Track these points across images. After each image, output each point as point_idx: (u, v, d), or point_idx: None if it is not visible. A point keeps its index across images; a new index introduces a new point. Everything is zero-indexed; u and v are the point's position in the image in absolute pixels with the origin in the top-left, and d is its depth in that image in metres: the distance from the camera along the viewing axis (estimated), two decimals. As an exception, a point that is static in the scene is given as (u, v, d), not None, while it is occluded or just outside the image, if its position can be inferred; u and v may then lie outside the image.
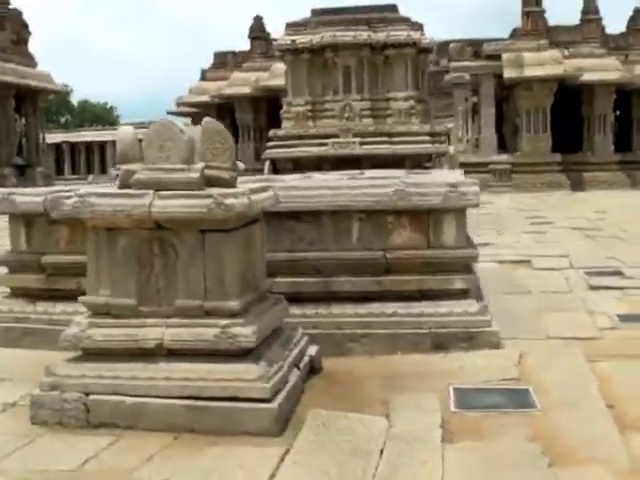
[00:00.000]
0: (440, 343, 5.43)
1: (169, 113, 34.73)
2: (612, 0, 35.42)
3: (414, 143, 13.51)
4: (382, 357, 5.40)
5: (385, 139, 13.46)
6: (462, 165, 19.06)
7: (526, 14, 28.00)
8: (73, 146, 51.27)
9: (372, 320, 5.52)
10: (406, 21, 13.96)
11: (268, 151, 13.96)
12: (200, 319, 4.13)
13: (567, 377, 4.76)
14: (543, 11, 28.17)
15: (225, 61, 32.19)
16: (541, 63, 26.97)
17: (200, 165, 4.20)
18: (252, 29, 30.75)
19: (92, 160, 51.73)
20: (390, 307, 5.56)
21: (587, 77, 26.95)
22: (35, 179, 26.19)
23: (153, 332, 4.12)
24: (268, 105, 29.51)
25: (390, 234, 5.59)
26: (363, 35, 13.53)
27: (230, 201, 4.01)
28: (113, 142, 50.18)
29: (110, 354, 4.17)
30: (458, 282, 5.58)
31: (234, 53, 32.30)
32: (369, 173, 7.26)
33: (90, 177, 43.94)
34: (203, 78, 32.63)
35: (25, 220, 6.01)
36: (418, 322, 5.48)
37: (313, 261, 5.59)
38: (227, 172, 4.34)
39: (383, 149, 13.35)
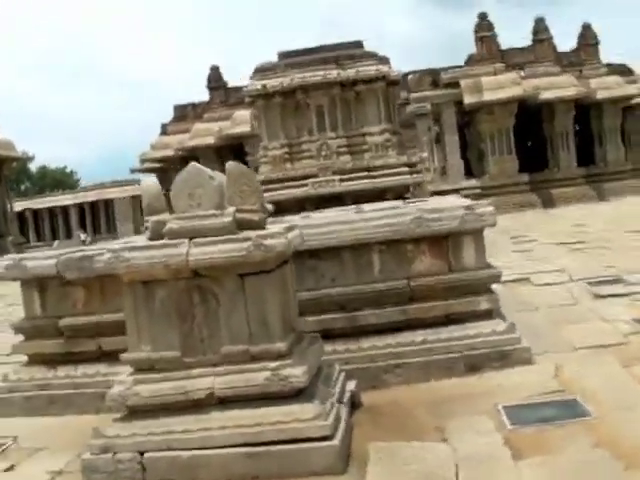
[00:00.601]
0: (473, 364, 5.42)
1: (133, 171, 34.72)
2: (560, 18, 36.42)
3: (393, 175, 13.64)
4: (418, 385, 5.37)
5: (364, 174, 13.57)
6: (433, 194, 19.29)
7: (480, 39, 28.65)
8: (36, 213, 50.85)
9: (403, 350, 5.50)
10: (373, 56, 14.17)
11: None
12: (248, 364, 4.08)
13: (609, 383, 4.78)
14: (496, 35, 28.84)
15: (185, 113, 32.31)
16: (500, 86, 27.53)
17: (232, 209, 4.19)
18: (210, 79, 30.97)
19: (56, 225, 51.33)
20: (419, 335, 5.55)
21: (546, 96, 27.58)
22: (7, 249, 25.82)
23: (202, 382, 4.06)
24: (233, 153, 29.65)
25: (411, 262, 5.61)
26: (333, 73, 13.69)
27: (269, 242, 4.00)
28: (76, 205, 49.98)
29: (159, 409, 4.08)
30: (483, 303, 5.60)
31: (194, 105, 32.45)
32: (368, 207, 7.30)
33: (56, 243, 43.47)
34: (164, 132, 32.67)
35: (38, 284, 5.92)
36: (449, 346, 5.47)
37: (337, 297, 5.57)
38: (257, 214, 4.33)
39: (363, 184, 13.45)
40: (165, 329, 4.14)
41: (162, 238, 4.21)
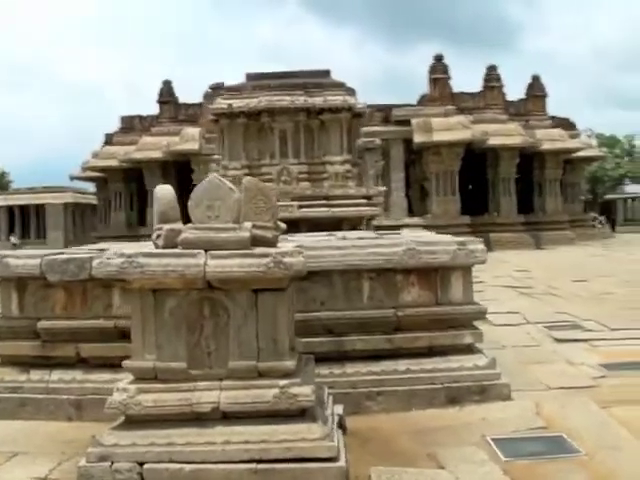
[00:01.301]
0: (454, 397, 5.52)
1: (73, 178, 34.06)
2: (511, 68, 37.62)
3: (351, 206, 13.77)
4: (399, 414, 5.43)
5: (323, 202, 13.66)
6: (376, 228, 19.53)
7: (433, 81, 29.34)
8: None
9: (386, 378, 5.55)
10: (341, 86, 14.36)
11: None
12: (255, 380, 4.06)
13: (591, 423, 4.93)
14: (449, 78, 29.54)
15: (132, 125, 31.95)
16: (449, 128, 28.19)
17: (249, 224, 4.20)
18: (161, 93, 30.74)
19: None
20: (402, 364, 5.61)
21: (493, 142, 28.31)
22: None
23: (208, 395, 4.01)
24: (178, 169, 29.44)
25: (400, 292, 5.69)
26: (300, 100, 13.81)
27: (288, 260, 4.01)
28: (6, 207, 48.52)
29: (161, 420, 4.01)
30: (467, 337, 5.72)
31: (141, 117, 32.13)
32: (352, 234, 7.37)
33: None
34: (109, 142, 32.19)
35: (17, 284, 5.76)
36: (431, 377, 5.56)
37: (325, 321, 5.60)
38: (270, 231, 4.34)
39: (321, 212, 13.53)
40: (172, 339, 4.09)
41: (175, 247, 4.17)
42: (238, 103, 13.81)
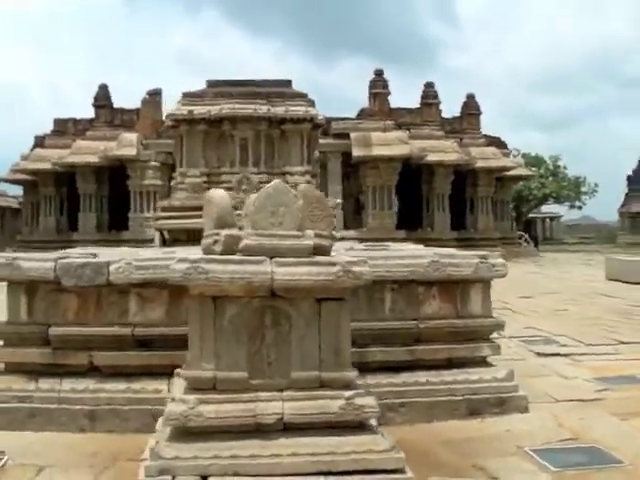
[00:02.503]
0: (474, 409, 5.57)
1: (0, 180, 32.91)
2: (446, 85, 38.45)
3: (310, 216, 13.72)
4: (422, 425, 5.44)
5: (283, 211, 13.54)
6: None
7: (373, 95, 29.65)
8: None
9: (407, 389, 5.55)
10: (303, 96, 14.32)
11: (161, 222, 13.56)
12: (318, 391, 3.99)
13: (618, 434, 5.06)
14: (389, 93, 29.92)
15: (66, 128, 31.03)
16: (387, 143, 28.54)
17: (311, 232, 4.14)
18: (97, 97, 30.01)
19: None
20: (422, 376, 5.63)
21: (430, 158, 28.79)
22: None
23: (271, 406, 3.92)
24: (112, 175, 28.79)
25: (421, 304, 5.70)
26: (263, 109, 13.70)
27: (357, 269, 3.97)
28: None
29: (221, 432, 3.89)
30: (486, 349, 5.77)
31: (75, 120, 31.26)
32: (361, 245, 7.35)
33: None
34: (40, 145, 31.18)
35: (27, 288, 5.50)
36: (451, 389, 5.59)
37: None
38: (327, 240, 4.28)
39: (281, 221, 13.40)
40: (232, 348, 3.98)
41: (233, 254, 4.07)
42: (199, 109, 13.59)
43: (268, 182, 12.90)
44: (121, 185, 28.24)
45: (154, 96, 28.95)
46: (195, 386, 4.00)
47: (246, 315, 4.00)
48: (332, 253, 4.36)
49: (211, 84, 14.35)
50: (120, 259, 5.46)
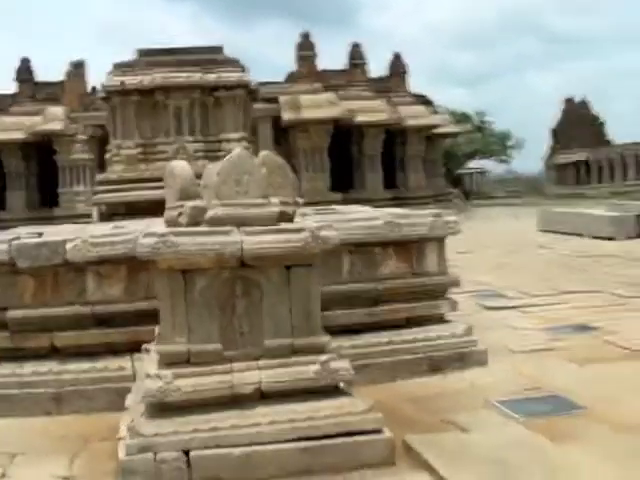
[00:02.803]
0: (436, 365, 5.69)
1: None
2: (369, 46, 38.46)
3: (250, 183, 13.60)
4: (386, 385, 5.52)
5: (222, 180, 13.40)
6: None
7: (301, 58, 29.40)
8: None
9: (370, 350, 5.63)
10: (235, 63, 14.10)
11: (98, 196, 13.27)
12: (292, 357, 4.02)
13: (577, 380, 5.25)
14: (316, 56, 29.73)
15: (-14, 103, 29.83)
16: (317, 105, 28.39)
17: (277, 199, 4.12)
18: (19, 72, 28.88)
19: None
20: (383, 336, 5.71)
21: (361, 119, 28.80)
22: None
23: (248, 376, 3.93)
24: (39, 151, 27.93)
25: (379, 265, 5.76)
26: (195, 76, 13.44)
27: (324, 234, 3.99)
28: None
29: (200, 405, 3.89)
30: (444, 307, 5.89)
31: (-3, 95, 30.08)
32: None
33: None
34: (-42, 121, 29.93)
35: (-22, 272, 5.34)
36: (413, 348, 5.70)
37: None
38: (291, 207, 4.28)
39: (220, 190, 13.27)
40: (204, 321, 3.96)
41: (198, 225, 4.03)
42: (131, 80, 13.23)
43: (205, 150, 12.80)
44: (49, 161, 27.44)
45: (78, 68, 28.06)
46: (169, 361, 3.97)
47: (216, 286, 3.98)
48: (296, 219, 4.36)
49: (142, 53, 13.99)
50: (75, 237, 5.34)
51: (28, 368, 5.28)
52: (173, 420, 3.83)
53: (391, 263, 5.79)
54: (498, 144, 52.51)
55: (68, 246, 5.31)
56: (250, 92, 14.52)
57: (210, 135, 13.87)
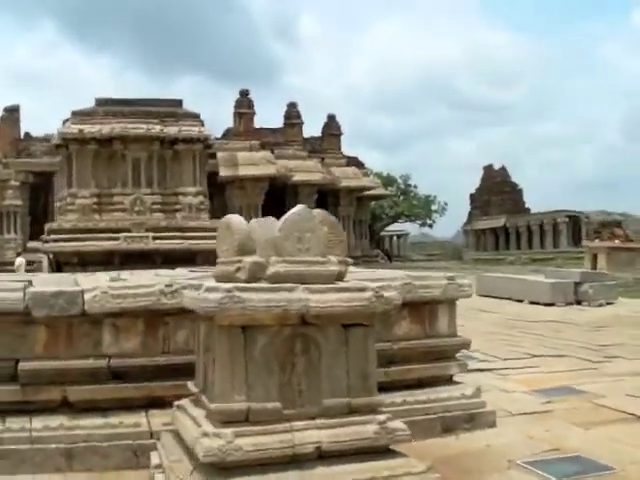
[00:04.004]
0: (447, 426, 5.74)
1: None
2: (308, 106, 39.09)
3: (205, 239, 13.52)
4: (404, 445, 5.49)
5: (177, 234, 13.30)
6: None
7: (239, 115, 29.64)
8: None
9: (386, 410, 5.60)
10: (195, 117, 14.15)
11: (49, 244, 12.94)
12: (348, 417, 3.99)
13: (594, 442, 5.37)
14: (254, 113, 30.05)
15: None
16: (254, 163, 28.63)
17: (335, 258, 4.14)
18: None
19: None
20: (397, 396, 5.73)
21: (297, 178, 29.16)
22: None
23: (307, 435, 3.87)
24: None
25: (393, 325, 5.81)
26: (156, 128, 13.41)
27: (388, 294, 4.02)
28: None
29: (259, 465, 3.80)
30: (453, 368, 5.96)
31: None
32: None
33: None
34: None
35: (-11, 322, 5.11)
36: (427, 408, 5.73)
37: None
38: (344, 265, 4.31)
39: (176, 244, 13.17)
40: (264, 379, 3.90)
41: (257, 281, 4.00)
42: (90, 129, 13.11)
43: (162, 203, 12.80)
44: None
45: (12, 113, 27.45)
46: (227, 419, 3.87)
47: (277, 344, 3.94)
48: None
49: (100, 102, 13.91)
50: (93, 287, 5.20)
51: (38, 423, 5.05)
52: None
53: (404, 323, 5.85)
54: (422, 208, 53.78)
55: (87, 296, 5.16)
56: (207, 147, 14.56)
57: (167, 188, 13.80)
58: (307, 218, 4.11)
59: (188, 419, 4.25)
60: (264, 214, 30.46)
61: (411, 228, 60.47)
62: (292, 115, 31.91)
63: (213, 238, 14.06)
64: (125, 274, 6.75)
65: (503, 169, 58.89)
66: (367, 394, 4.07)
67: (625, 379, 7.86)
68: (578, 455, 5.05)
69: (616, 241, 24.21)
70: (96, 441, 5.07)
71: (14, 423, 5.03)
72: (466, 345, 6.16)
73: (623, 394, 7.02)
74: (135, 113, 13.59)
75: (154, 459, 4.50)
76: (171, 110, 14.00)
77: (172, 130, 13.59)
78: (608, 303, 17.21)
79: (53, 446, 4.98)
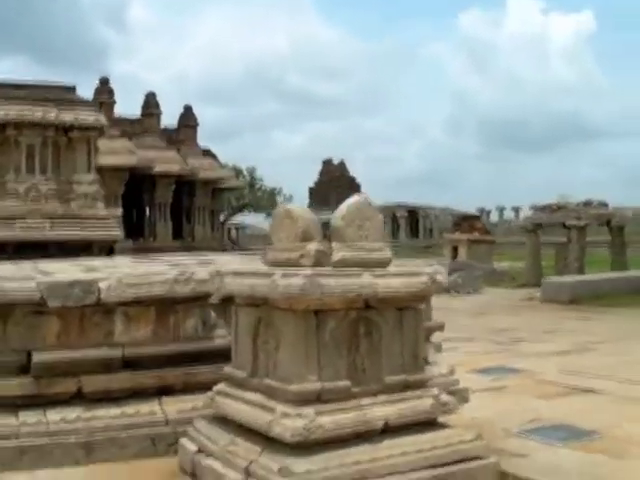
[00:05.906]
0: (430, 403, 6.13)
1: None
2: (165, 96, 38.25)
3: (102, 227, 13.20)
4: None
5: (74, 222, 12.89)
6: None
7: (99, 104, 28.64)
8: None
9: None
10: (89, 104, 13.72)
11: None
12: (407, 392, 4.31)
13: (564, 412, 5.97)
14: (114, 102, 29.22)
15: None
16: (114, 152, 27.83)
17: (386, 244, 4.43)
18: None
19: None
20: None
21: (157, 169, 28.70)
22: None
23: (376, 411, 4.15)
24: None
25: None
26: (51, 115, 12.88)
27: (439, 277, 4.37)
28: None
29: (336, 441, 4.02)
30: (430, 349, 6.37)
31: None
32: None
33: None
34: None
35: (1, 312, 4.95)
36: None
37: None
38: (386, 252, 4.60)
39: (72, 233, 12.76)
40: (334, 359, 4.12)
41: (322, 266, 4.22)
42: (-19, 113, 12.41)
43: (57, 191, 12.41)
44: None
45: None
46: (302, 399, 4.06)
47: (344, 327, 4.18)
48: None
49: (-13, 84, 13.17)
50: (107, 276, 5.16)
51: (54, 415, 4.94)
52: (320, 457, 3.91)
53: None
54: (268, 199, 54.34)
55: (102, 285, 5.11)
56: (101, 134, 14.15)
57: (62, 176, 13.29)
58: (366, 207, 4.37)
59: (241, 403, 4.38)
60: (124, 204, 29.77)
61: (256, 220, 60.89)
62: (151, 104, 31.34)
63: (108, 227, 13.77)
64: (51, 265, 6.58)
65: (342, 163, 60.69)
66: (419, 371, 4.40)
67: (547, 358, 8.66)
68: (561, 423, 5.62)
69: (475, 233, 26.02)
70: (115, 431, 5.04)
71: (29, 417, 4.89)
72: (440, 327, 6.60)
73: (555, 371, 7.76)
74: (30, 98, 12.99)
75: (189, 446, 4.57)
76: (66, 96, 13.50)
77: (68, 117, 13.11)
78: (475, 291, 18.43)
79: (72, 438, 4.91)
